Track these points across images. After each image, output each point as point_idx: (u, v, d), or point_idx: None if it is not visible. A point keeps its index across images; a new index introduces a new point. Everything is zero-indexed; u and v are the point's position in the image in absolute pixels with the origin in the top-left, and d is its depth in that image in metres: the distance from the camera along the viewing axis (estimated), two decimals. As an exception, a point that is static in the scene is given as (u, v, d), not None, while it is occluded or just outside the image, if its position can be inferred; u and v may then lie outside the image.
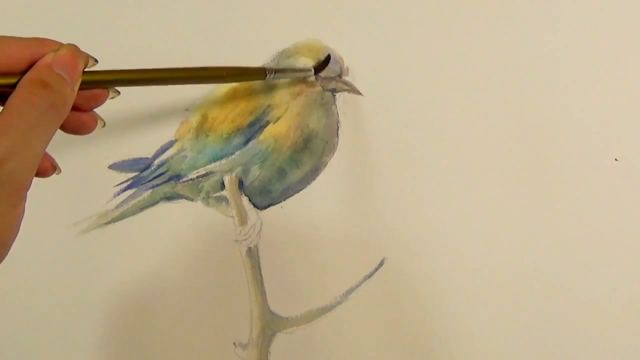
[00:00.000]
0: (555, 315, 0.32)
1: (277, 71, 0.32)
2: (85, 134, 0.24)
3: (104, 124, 0.25)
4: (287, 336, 0.31)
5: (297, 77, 0.35)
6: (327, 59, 0.35)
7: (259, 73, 0.31)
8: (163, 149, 0.34)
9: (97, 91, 0.24)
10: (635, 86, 0.37)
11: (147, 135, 0.35)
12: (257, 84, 0.36)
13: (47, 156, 0.23)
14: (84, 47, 0.22)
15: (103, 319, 0.31)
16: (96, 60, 0.23)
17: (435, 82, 0.37)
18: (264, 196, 0.34)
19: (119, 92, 0.25)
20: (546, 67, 0.37)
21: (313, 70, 0.35)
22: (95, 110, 0.24)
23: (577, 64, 0.37)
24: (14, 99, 0.19)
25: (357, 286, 0.32)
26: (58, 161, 0.34)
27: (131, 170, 0.34)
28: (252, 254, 0.33)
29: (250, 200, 0.34)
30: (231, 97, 0.35)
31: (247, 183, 0.34)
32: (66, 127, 0.22)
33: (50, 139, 0.20)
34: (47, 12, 0.37)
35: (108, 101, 0.35)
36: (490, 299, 0.32)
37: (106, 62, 0.24)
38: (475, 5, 0.39)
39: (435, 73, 0.37)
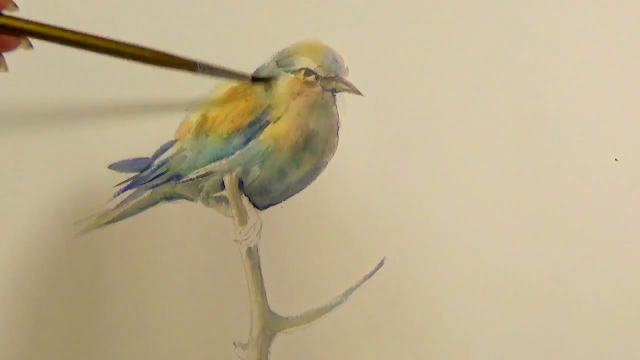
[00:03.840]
0: (555, 315, 0.32)
1: (210, 68, 0.31)
2: None
3: (6, 69, 0.25)
4: (287, 336, 0.31)
5: (232, 79, 0.34)
6: (266, 80, 0.35)
7: (188, 65, 0.30)
8: (163, 149, 0.34)
9: (8, 38, 0.23)
10: (635, 86, 0.37)
11: (147, 135, 0.35)
12: (257, 84, 0.36)
13: None
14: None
15: (103, 319, 0.31)
16: (16, 6, 0.23)
17: (436, 82, 0.37)
18: (264, 196, 0.34)
19: (32, 46, 0.24)
20: (546, 67, 0.37)
21: (250, 79, 0.34)
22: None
23: (578, 64, 0.37)
24: None
25: (357, 286, 0.32)
26: (58, 160, 0.34)
27: (131, 170, 0.34)
28: (252, 254, 0.33)
29: (250, 200, 0.34)
30: (231, 97, 0.35)
31: (247, 183, 0.34)
32: None
33: None
34: None
35: (108, 101, 0.35)
36: (491, 298, 0.32)
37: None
38: (475, 5, 0.39)
39: (435, 73, 0.37)
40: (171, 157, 0.34)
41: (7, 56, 0.25)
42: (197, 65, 0.30)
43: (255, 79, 0.35)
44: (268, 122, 0.34)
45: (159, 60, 0.29)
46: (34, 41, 0.25)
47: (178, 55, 0.29)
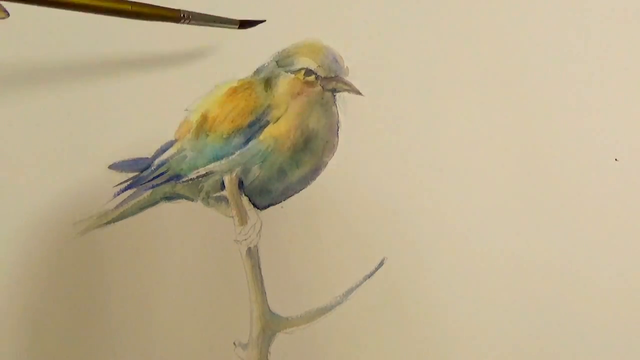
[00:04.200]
0: (556, 315, 0.32)
1: (195, 16, 0.30)
2: None
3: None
4: (287, 336, 0.31)
5: (219, 26, 0.33)
6: (257, 22, 0.35)
7: (172, 15, 0.29)
8: (163, 149, 0.34)
9: None
10: (635, 86, 0.37)
11: (147, 135, 0.35)
12: (257, 84, 0.36)
13: None
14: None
15: (103, 319, 0.31)
16: None
17: (436, 82, 0.37)
18: (264, 196, 0.34)
19: (7, 13, 0.24)
20: (547, 67, 0.37)
21: (239, 24, 0.33)
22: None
23: (578, 64, 0.37)
24: None
25: (357, 286, 0.32)
26: (58, 160, 0.34)
27: (131, 170, 0.34)
28: (252, 254, 0.33)
29: (250, 200, 0.34)
30: (231, 96, 0.35)
31: (247, 183, 0.34)
32: None
33: None
34: None
35: (108, 101, 0.35)
36: (491, 298, 0.32)
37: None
38: (475, 6, 0.39)
39: (435, 73, 0.37)
40: (171, 157, 0.34)
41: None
42: (182, 14, 0.29)
43: (243, 24, 0.34)
44: (268, 122, 0.34)
45: (140, 13, 0.28)
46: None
47: (160, 6, 0.29)
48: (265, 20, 0.35)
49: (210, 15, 0.31)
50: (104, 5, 0.27)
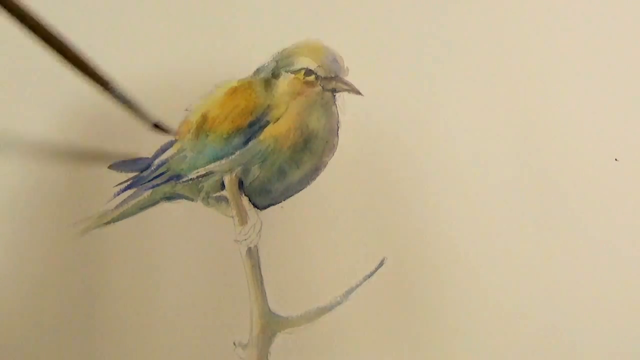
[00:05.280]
0: (556, 313, 0.32)
1: (119, 95, 0.29)
2: None
3: None
4: (287, 336, 0.31)
5: (133, 115, 0.31)
6: (168, 131, 0.34)
7: (103, 81, 0.28)
8: (163, 149, 0.34)
9: None
10: (635, 86, 0.37)
11: (147, 135, 0.35)
12: (257, 84, 0.36)
13: None
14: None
15: (102, 319, 0.31)
16: None
17: (435, 82, 0.37)
18: (264, 196, 0.34)
19: None
20: (546, 67, 0.37)
21: (153, 125, 0.33)
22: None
23: (578, 64, 0.37)
24: None
25: (357, 286, 0.32)
26: (58, 160, 0.34)
27: (131, 170, 0.34)
28: (252, 254, 0.33)
29: (250, 200, 0.34)
30: (231, 97, 0.35)
31: (247, 183, 0.34)
32: None
33: None
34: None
35: (109, 102, 0.35)
36: (491, 298, 0.32)
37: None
38: (475, 5, 0.39)
39: (435, 73, 0.37)
40: (171, 157, 0.34)
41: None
42: (110, 86, 0.28)
43: (157, 126, 0.33)
44: (268, 122, 0.34)
45: (79, 63, 0.27)
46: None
47: (97, 67, 0.28)
48: (171, 132, 0.34)
49: (131, 102, 0.30)
50: (53, 41, 0.25)
